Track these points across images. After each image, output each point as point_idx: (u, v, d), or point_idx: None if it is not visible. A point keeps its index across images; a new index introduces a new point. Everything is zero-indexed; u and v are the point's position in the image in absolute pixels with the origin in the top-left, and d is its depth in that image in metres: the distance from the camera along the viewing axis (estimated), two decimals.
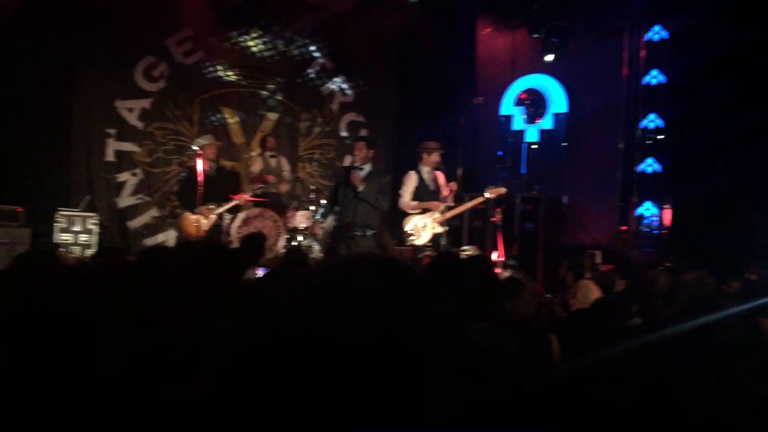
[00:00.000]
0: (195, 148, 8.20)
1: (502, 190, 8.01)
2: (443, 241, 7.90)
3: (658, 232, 9.48)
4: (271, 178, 8.78)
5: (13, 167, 8.40)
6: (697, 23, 8.87)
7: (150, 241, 9.22)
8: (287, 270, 5.01)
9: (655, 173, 9.66)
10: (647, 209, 9.67)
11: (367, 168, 7.32)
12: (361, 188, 7.16)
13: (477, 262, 4.15)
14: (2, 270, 3.58)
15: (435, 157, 7.82)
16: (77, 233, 8.19)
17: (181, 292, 3.65)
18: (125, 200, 9.41)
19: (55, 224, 8.11)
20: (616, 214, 10.01)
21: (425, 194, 7.84)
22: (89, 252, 7.81)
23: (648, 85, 9.72)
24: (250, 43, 10.18)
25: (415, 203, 7.70)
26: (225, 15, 9.93)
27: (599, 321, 3.99)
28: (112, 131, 9.36)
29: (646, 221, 9.74)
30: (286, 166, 9.37)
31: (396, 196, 7.74)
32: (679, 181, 9.18)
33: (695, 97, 8.63)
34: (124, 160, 9.44)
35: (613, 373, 2.56)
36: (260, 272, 7.07)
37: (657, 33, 9.60)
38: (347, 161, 8.89)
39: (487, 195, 7.95)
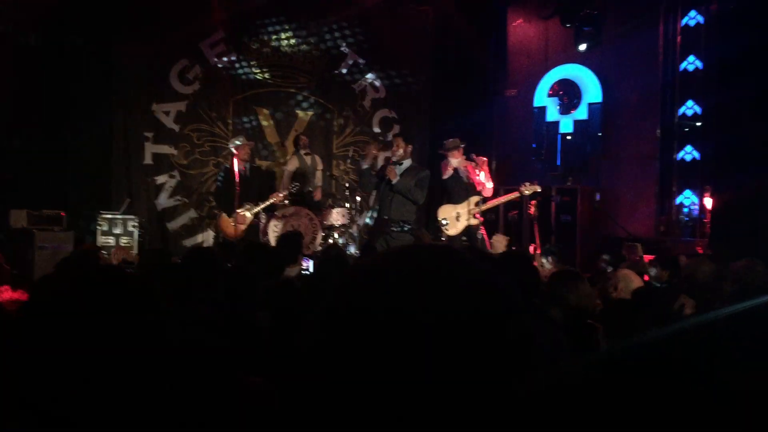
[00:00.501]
0: (230, 148, 8.30)
1: (537, 187, 8.01)
2: (478, 233, 7.91)
3: (698, 221, 9.30)
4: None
5: (55, 172, 8.61)
6: (733, 7, 8.67)
7: (189, 242, 9.36)
8: (326, 268, 5.06)
9: (694, 161, 9.49)
10: (687, 198, 9.50)
11: (406, 163, 7.40)
12: (395, 181, 7.21)
13: (518, 258, 4.15)
14: (48, 274, 3.68)
15: (456, 155, 7.87)
16: (118, 236, 8.35)
17: (225, 291, 3.71)
18: (164, 202, 9.56)
19: (96, 227, 8.29)
20: (655, 203, 9.86)
21: (459, 185, 7.88)
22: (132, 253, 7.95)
23: (685, 71, 9.54)
24: (282, 42, 10.25)
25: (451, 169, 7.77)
26: (256, 15, 10.02)
27: (642, 310, 3.95)
28: (149, 134, 9.51)
29: (685, 210, 9.57)
30: (320, 165, 9.45)
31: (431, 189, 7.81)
32: (718, 168, 9.00)
33: (733, 83, 8.45)
34: (162, 163, 9.59)
35: (656, 363, 2.53)
36: (307, 263, 7.18)
37: (693, 18, 9.41)
38: (381, 159, 8.92)
39: (522, 191, 7.96)
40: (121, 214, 8.57)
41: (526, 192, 8.01)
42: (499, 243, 7.76)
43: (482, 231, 8.02)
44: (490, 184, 8.08)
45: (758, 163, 7.80)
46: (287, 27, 10.25)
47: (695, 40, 9.46)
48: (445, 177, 7.88)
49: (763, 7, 7.90)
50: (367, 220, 8.33)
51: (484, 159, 8.18)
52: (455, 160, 7.92)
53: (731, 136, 8.39)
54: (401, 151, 7.47)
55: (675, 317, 3.55)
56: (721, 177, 8.88)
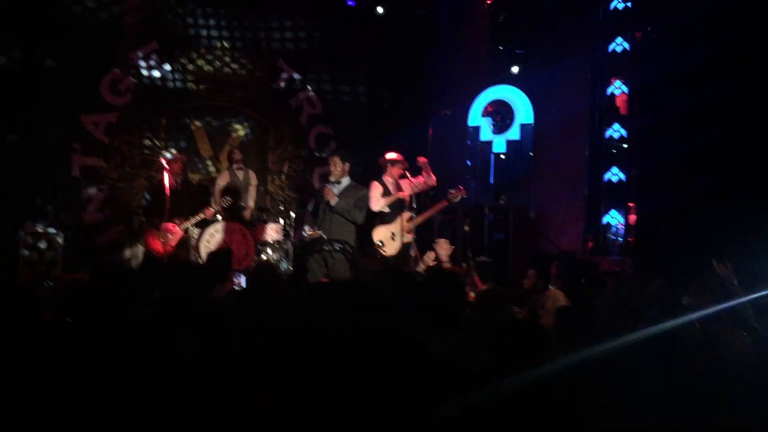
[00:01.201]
0: (162, 162, 8.16)
1: (463, 191, 8.14)
2: (412, 251, 7.96)
3: (623, 240, 9.61)
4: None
5: None
6: (656, 36, 9.06)
7: (117, 257, 9.11)
8: (257, 286, 5.01)
9: (620, 182, 9.81)
10: (613, 217, 9.80)
11: (345, 182, 7.34)
12: (333, 202, 7.17)
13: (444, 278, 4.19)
14: None
15: (397, 170, 7.92)
16: (43, 250, 8.07)
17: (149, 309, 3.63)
18: (91, 216, 9.30)
19: (20, 241, 7.99)
20: (583, 222, 10.13)
21: (393, 205, 7.92)
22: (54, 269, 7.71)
23: (612, 94, 9.88)
24: (218, 56, 10.16)
25: (385, 199, 7.77)
26: (191, 28, 9.93)
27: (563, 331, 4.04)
28: (77, 146, 9.25)
29: (612, 229, 9.88)
30: (254, 180, 9.36)
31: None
32: (642, 189, 9.34)
33: (657, 107, 8.81)
34: (90, 175, 9.34)
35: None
36: (239, 279, 7.09)
37: (619, 44, 9.77)
38: (316, 175, 8.91)
39: (450, 199, 8.07)
40: (45, 228, 8.28)
41: (455, 200, 8.13)
42: (429, 258, 7.82)
43: (414, 248, 8.06)
44: (431, 180, 8.18)
45: (679, 183, 8.14)
46: (223, 41, 10.17)
47: (621, 65, 9.81)
48: (378, 207, 7.81)
49: (684, 35, 8.26)
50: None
51: (424, 160, 8.26)
52: (393, 175, 7.97)
53: (655, 158, 8.73)
54: (339, 169, 7.40)
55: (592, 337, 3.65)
56: (644, 197, 9.22)
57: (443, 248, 8.15)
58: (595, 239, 9.93)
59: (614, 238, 9.83)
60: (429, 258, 7.80)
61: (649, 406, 2.67)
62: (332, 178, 7.33)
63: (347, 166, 7.46)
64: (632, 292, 4.89)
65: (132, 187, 9.57)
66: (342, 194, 7.29)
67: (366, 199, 7.50)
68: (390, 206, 7.90)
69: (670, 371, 2.99)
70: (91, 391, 1.86)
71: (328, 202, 7.21)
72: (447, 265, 7.98)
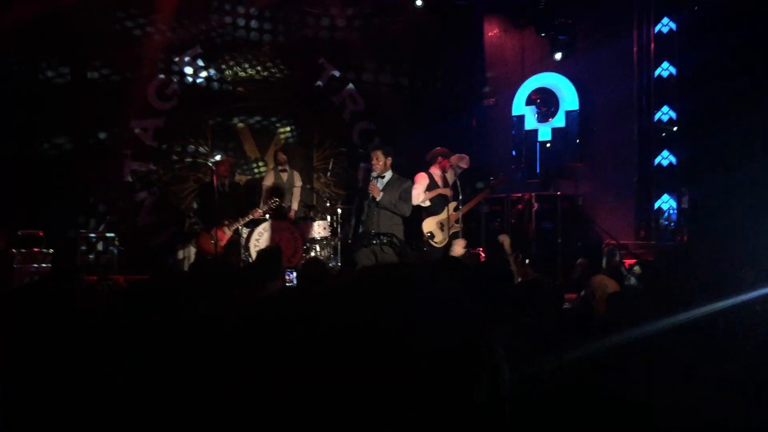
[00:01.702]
0: (209, 164, 8.29)
1: (505, 177, 8.10)
2: (460, 239, 7.94)
3: (677, 224, 9.40)
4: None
5: (33, 191, 8.54)
6: (705, 14, 8.81)
7: (171, 259, 9.31)
8: (308, 283, 5.04)
9: (671, 165, 9.59)
10: (665, 202, 9.59)
11: (387, 176, 7.34)
12: (379, 197, 7.17)
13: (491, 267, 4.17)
14: (19, 289, 3.65)
15: (442, 161, 7.91)
16: (99, 254, 8.29)
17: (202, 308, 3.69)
18: (144, 219, 9.51)
19: (76, 246, 8.22)
20: (634, 208, 9.94)
21: (437, 197, 7.92)
22: (110, 271, 7.90)
23: (660, 77, 9.66)
24: (260, 57, 10.27)
25: (426, 194, 7.77)
26: (233, 31, 10.06)
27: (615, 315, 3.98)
28: (128, 151, 9.47)
29: (665, 214, 9.66)
30: (298, 181, 9.44)
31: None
32: (694, 172, 9.11)
33: (706, 88, 8.58)
34: (141, 180, 9.55)
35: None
36: (291, 276, 7.16)
37: (665, 25, 9.54)
38: (361, 171, 8.92)
39: (494, 186, 8.03)
40: (101, 232, 8.50)
41: (497, 188, 8.13)
42: (458, 246, 7.77)
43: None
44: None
45: (731, 165, 7.92)
46: (264, 42, 10.28)
47: (668, 46, 9.58)
48: (418, 201, 7.83)
49: (733, 13, 8.03)
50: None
51: (464, 156, 8.24)
52: (440, 169, 7.98)
53: (706, 139, 8.51)
54: (381, 164, 7.39)
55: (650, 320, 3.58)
56: (697, 181, 9.00)
57: (506, 242, 8.12)
58: (647, 225, 9.74)
59: (666, 223, 9.62)
60: (459, 246, 7.74)
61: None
62: (375, 173, 7.32)
63: (390, 160, 7.44)
64: (682, 278, 4.79)
65: (182, 189, 9.76)
66: (386, 188, 7.28)
67: (410, 191, 7.50)
68: (435, 198, 7.91)
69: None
70: (147, 389, 1.91)
71: (374, 197, 7.22)
72: (512, 255, 7.96)
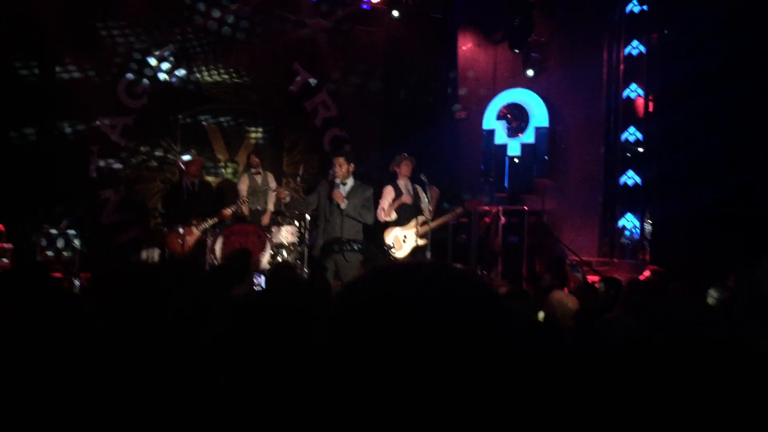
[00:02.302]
0: (179, 163, 8.21)
1: (482, 202, 8.11)
2: (426, 255, 7.95)
3: (639, 243, 9.58)
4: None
5: None
6: (674, 37, 9.04)
7: (134, 258, 9.17)
8: (277, 286, 5.01)
9: (636, 185, 9.78)
10: (628, 221, 9.77)
11: (350, 183, 7.33)
12: (344, 205, 7.16)
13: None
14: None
15: (405, 167, 7.92)
16: (60, 250, 8.13)
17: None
18: (108, 217, 9.36)
19: (38, 241, 8.05)
20: (598, 226, 10.10)
21: (403, 208, 7.93)
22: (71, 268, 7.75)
23: (628, 98, 9.86)
24: (233, 59, 10.22)
25: (388, 208, 7.78)
26: (207, 32, 10.00)
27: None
28: (94, 148, 9.32)
29: (627, 233, 9.84)
30: (272, 183, 9.38)
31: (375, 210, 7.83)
32: (658, 192, 9.31)
33: (674, 109, 8.79)
34: (107, 177, 9.40)
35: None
36: (259, 280, 7.09)
37: (635, 48, 9.75)
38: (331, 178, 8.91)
39: (467, 207, 8.05)
40: (63, 228, 8.33)
41: (473, 210, 8.13)
42: None
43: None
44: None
45: (695, 186, 8.10)
46: (238, 45, 10.24)
47: (637, 68, 9.80)
48: (384, 213, 7.83)
49: (701, 37, 8.24)
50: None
51: (437, 190, 8.23)
52: (404, 175, 7.98)
53: (670, 161, 8.70)
54: (344, 170, 7.36)
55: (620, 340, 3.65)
56: (660, 201, 9.18)
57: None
58: (610, 243, 9.90)
59: (629, 242, 9.80)
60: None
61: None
62: (338, 180, 7.31)
63: (352, 166, 7.46)
64: (651, 297, 4.87)
65: (148, 188, 9.63)
66: (350, 195, 7.28)
67: (372, 198, 7.51)
68: (403, 209, 7.91)
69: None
70: (117, 388, 1.87)
71: (338, 204, 7.19)
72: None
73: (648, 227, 9.46)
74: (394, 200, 7.88)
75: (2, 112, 8.64)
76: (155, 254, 9.08)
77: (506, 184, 10.70)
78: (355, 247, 7.17)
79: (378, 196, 7.86)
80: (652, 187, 9.52)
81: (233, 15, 10.12)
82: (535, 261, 9.48)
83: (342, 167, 7.28)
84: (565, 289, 6.26)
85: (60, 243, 8.20)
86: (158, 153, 9.73)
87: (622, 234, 9.88)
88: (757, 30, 7.55)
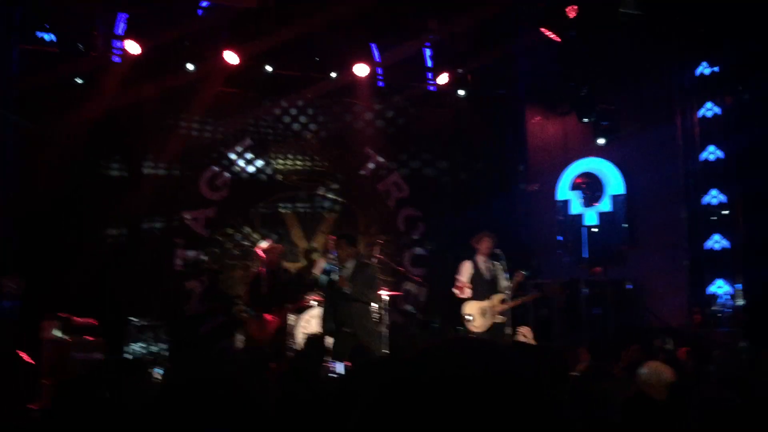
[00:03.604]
0: (258, 252, 8.43)
1: (559, 288, 7.98)
2: (506, 331, 7.81)
3: (731, 311, 9.11)
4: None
5: (88, 279, 8.76)
6: (751, 97, 8.84)
7: (223, 344, 9.35)
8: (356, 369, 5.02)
9: (723, 249, 9.40)
10: (719, 287, 9.35)
11: (350, 264, 7.22)
12: (348, 290, 7.05)
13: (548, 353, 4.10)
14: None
15: (485, 244, 7.88)
16: (149, 342, 8.37)
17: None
18: (194, 307, 9.63)
19: (127, 334, 8.32)
20: (686, 293, 9.70)
21: (481, 283, 7.86)
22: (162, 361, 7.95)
23: (706, 161, 9.62)
24: (307, 147, 10.58)
25: (465, 283, 7.74)
26: (281, 124, 10.44)
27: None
28: (179, 240, 9.70)
29: (719, 300, 9.40)
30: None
31: (453, 281, 7.81)
32: (750, 258, 8.91)
33: (755, 172, 8.52)
34: (192, 268, 9.73)
35: None
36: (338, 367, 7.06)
37: (709, 109, 9.57)
38: (407, 258, 8.90)
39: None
40: (151, 321, 8.59)
41: (550, 295, 8.03)
42: (522, 334, 7.68)
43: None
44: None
45: None
46: (311, 134, 10.62)
47: (714, 130, 9.58)
48: (459, 290, 7.80)
49: None
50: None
51: (522, 274, 8.18)
52: (484, 252, 7.94)
53: (757, 224, 8.37)
54: (346, 252, 7.30)
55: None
56: (753, 266, 8.78)
57: (524, 335, 8.07)
58: (702, 311, 9.46)
59: (722, 309, 9.34)
60: (525, 333, 7.65)
61: None
62: (338, 263, 7.22)
63: (353, 249, 7.41)
64: (741, 363, 4.63)
65: (231, 277, 9.90)
66: (353, 278, 7.17)
67: (375, 276, 7.41)
68: (480, 284, 7.85)
69: None
70: None
71: (343, 290, 7.07)
72: None
73: (739, 294, 9.01)
74: (473, 277, 7.84)
75: (93, 210, 9.14)
76: (238, 341, 9.25)
77: (585, 254, 10.49)
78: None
79: (450, 271, 7.83)
80: (742, 252, 9.13)
81: (303, 105, 10.52)
82: (621, 334, 9.13)
83: (343, 250, 7.22)
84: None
85: (149, 335, 8.42)
86: (238, 242, 10.03)
87: (713, 301, 9.43)
88: None
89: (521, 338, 7.59)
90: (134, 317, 8.58)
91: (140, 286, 9.29)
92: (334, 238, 9.46)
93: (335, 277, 7.12)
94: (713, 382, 4.37)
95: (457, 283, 7.80)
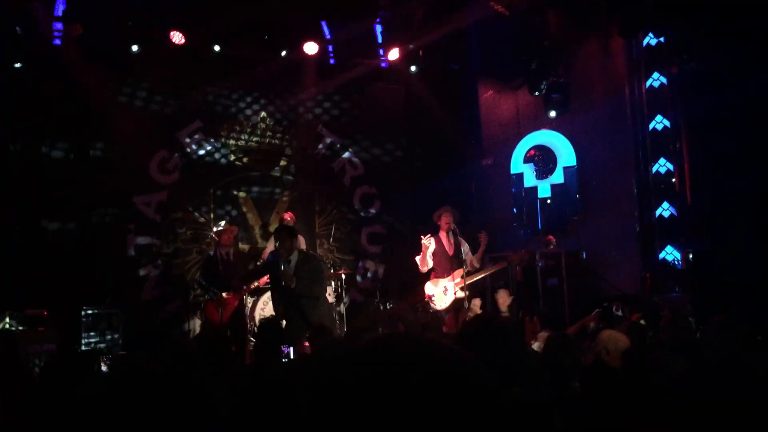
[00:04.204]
0: (212, 235, 8.33)
1: (523, 254, 8.03)
2: (465, 305, 7.87)
3: (682, 275, 9.36)
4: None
5: (36, 270, 8.55)
6: (696, 67, 9.01)
7: (177, 332, 9.26)
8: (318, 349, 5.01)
9: (671, 216, 9.62)
10: (669, 253, 9.58)
11: (294, 258, 7.12)
12: (294, 285, 6.95)
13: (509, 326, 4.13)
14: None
15: (446, 219, 7.90)
16: (104, 330, 8.24)
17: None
18: (148, 293, 9.49)
19: (81, 324, 8.17)
20: (638, 260, 9.92)
21: (444, 259, 7.89)
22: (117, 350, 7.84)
23: (654, 130, 9.79)
24: (258, 128, 10.45)
25: (424, 262, 7.78)
26: (231, 104, 10.28)
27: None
28: (131, 226, 9.52)
29: (669, 265, 9.64)
30: (302, 244, 9.42)
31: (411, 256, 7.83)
32: (697, 223, 9.14)
33: (702, 139, 8.71)
34: (145, 254, 9.57)
35: None
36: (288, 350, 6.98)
37: (656, 80, 9.73)
38: (364, 235, 8.84)
39: (511, 259, 7.99)
40: (105, 310, 8.44)
41: (515, 264, 8.07)
42: (476, 306, 7.74)
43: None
44: (477, 263, 8.09)
45: (734, 215, 7.95)
46: (263, 114, 10.49)
47: (661, 99, 9.75)
48: (421, 263, 7.82)
49: (721, 66, 8.21)
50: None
51: (486, 237, 8.14)
52: (445, 227, 7.94)
53: (705, 191, 8.58)
54: (286, 246, 7.14)
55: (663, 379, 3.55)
56: (700, 232, 9.01)
57: (503, 298, 8.14)
58: (653, 276, 9.69)
59: (671, 274, 9.58)
60: (476, 306, 7.71)
61: None
62: (282, 257, 7.10)
63: (295, 241, 7.30)
64: (689, 328, 4.76)
65: (185, 262, 9.77)
66: (297, 272, 7.05)
67: (319, 268, 7.28)
68: (443, 259, 7.88)
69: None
70: None
71: (289, 285, 6.97)
72: (505, 315, 7.90)
73: (689, 258, 9.26)
74: (434, 252, 7.87)
75: (38, 197, 8.88)
76: (196, 326, 9.17)
77: (539, 227, 10.63)
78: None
79: (409, 247, 7.85)
80: (689, 218, 9.35)
81: (253, 83, 10.36)
82: (577, 303, 9.30)
83: (285, 243, 7.06)
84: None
85: (103, 325, 8.28)
86: (192, 225, 9.89)
87: (664, 267, 9.66)
88: None
89: (474, 310, 7.63)
90: (87, 306, 8.42)
91: (92, 274, 9.11)
92: (290, 214, 9.40)
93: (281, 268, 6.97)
94: (664, 348, 4.47)
95: (420, 260, 7.83)
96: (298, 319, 6.78)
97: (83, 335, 8.09)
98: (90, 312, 8.27)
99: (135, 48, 9.23)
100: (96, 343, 8.04)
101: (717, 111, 8.30)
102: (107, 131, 9.39)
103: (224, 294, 7.97)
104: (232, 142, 10.30)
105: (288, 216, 9.39)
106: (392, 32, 10.89)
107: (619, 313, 7.51)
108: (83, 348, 7.93)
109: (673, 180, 9.64)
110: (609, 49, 10.30)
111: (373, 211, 11.00)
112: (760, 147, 7.74)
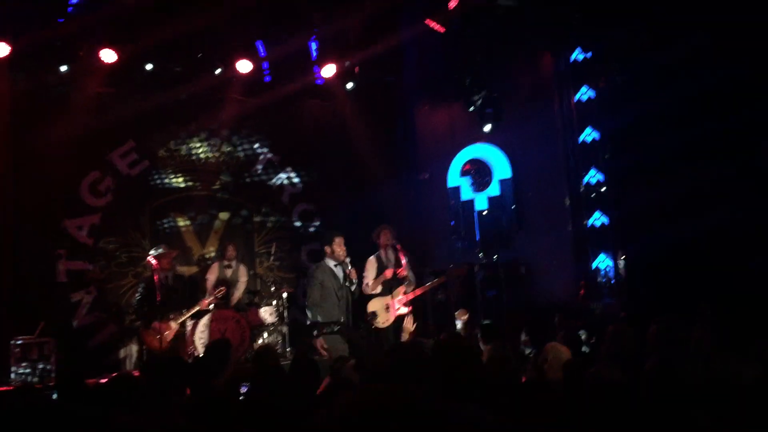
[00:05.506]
0: (149, 258, 8.12)
1: (463, 269, 8.12)
2: (407, 322, 7.88)
3: (616, 283, 9.63)
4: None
5: None
6: (623, 80, 9.32)
7: (112, 358, 8.97)
8: (262, 375, 4.91)
9: (603, 225, 9.90)
10: (602, 261, 9.85)
11: (348, 260, 7.30)
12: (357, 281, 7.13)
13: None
14: None
15: (385, 237, 7.92)
16: (35, 362, 7.90)
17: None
18: (82, 319, 9.18)
19: (11, 355, 7.82)
20: (572, 269, 10.16)
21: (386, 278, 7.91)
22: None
23: (584, 142, 10.07)
24: (194, 148, 10.28)
25: (376, 283, 7.77)
26: (165, 123, 10.08)
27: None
28: (62, 252, 9.20)
29: (602, 273, 9.90)
30: (243, 276, 9.27)
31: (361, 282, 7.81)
32: (627, 231, 9.43)
33: (628, 150, 9.02)
34: (77, 279, 9.26)
35: None
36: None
37: (585, 93, 10.02)
38: (304, 252, 8.78)
39: (451, 274, 8.07)
40: (36, 338, 8.09)
41: (455, 278, 8.15)
42: (409, 325, 7.74)
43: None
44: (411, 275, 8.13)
45: (663, 223, 8.24)
46: (198, 133, 10.33)
47: (590, 112, 10.04)
48: (369, 287, 7.85)
49: (650, 77, 8.52)
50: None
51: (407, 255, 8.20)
52: (384, 245, 7.96)
53: (634, 200, 8.87)
54: (344, 249, 7.36)
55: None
56: (630, 240, 9.30)
57: (461, 318, 8.23)
58: (587, 285, 9.94)
59: (604, 281, 9.85)
60: (409, 324, 7.71)
61: None
62: (333, 261, 7.29)
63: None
64: (631, 338, 4.89)
65: (120, 286, 9.50)
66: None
67: (311, 278, 7.41)
68: (387, 278, 7.88)
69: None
70: None
71: (350, 283, 7.21)
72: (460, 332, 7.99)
73: (621, 266, 9.54)
74: (377, 275, 7.86)
75: None
76: (133, 352, 8.90)
77: (477, 239, 10.77)
78: (335, 328, 7.06)
79: (360, 266, 7.83)
80: (620, 227, 9.64)
81: (187, 101, 10.17)
82: (515, 313, 9.45)
83: (342, 247, 7.28)
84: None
85: (34, 355, 7.93)
86: (128, 249, 9.63)
87: (597, 275, 9.92)
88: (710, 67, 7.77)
89: (407, 329, 7.60)
90: (17, 335, 8.06)
91: (21, 302, 8.75)
92: (233, 248, 9.25)
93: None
94: (602, 359, 4.59)
95: (365, 285, 7.80)
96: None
97: (11, 368, 7.73)
98: (20, 342, 7.92)
99: (63, 68, 8.96)
100: (27, 375, 7.70)
101: (640, 121, 8.59)
102: (36, 152, 9.06)
103: (162, 321, 7.79)
104: (168, 162, 10.09)
105: (229, 251, 9.23)
106: (327, 49, 10.89)
107: (556, 321, 7.67)
108: (12, 379, 7.61)
109: (602, 190, 9.93)
110: (539, 63, 10.56)
111: (312, 227, 10.96)
112: (679, 151, 8.04)
